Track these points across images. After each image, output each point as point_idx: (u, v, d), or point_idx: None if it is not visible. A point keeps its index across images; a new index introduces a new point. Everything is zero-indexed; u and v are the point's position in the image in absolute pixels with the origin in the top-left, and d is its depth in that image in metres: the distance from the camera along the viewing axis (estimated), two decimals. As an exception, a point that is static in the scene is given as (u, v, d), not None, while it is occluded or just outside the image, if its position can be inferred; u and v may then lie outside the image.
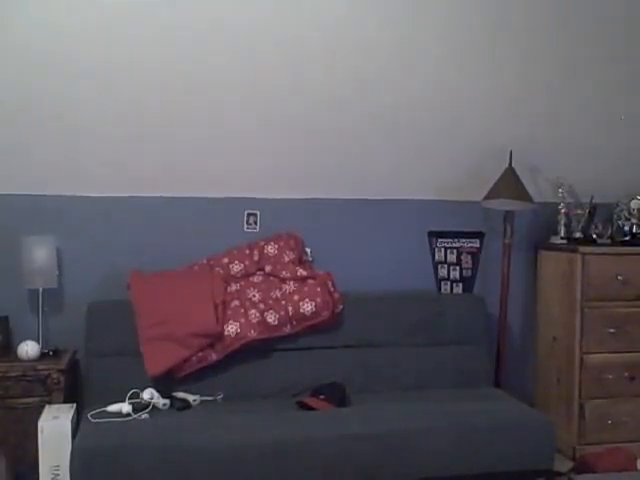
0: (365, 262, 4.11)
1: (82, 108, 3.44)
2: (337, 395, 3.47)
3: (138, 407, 3.25)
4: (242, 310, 3.65)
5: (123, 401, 3.24)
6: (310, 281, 3.81)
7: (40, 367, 3.39)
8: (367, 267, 4.10)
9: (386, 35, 3.46)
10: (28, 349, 3.47)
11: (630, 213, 4.24)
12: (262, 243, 3.94)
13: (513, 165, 3.99)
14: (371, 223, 4.15)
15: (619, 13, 3.58)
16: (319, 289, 3.77)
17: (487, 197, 4.04)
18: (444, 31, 3.51)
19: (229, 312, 3.64)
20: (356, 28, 3.39)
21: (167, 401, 3.37)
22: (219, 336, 3.56)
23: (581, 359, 3.94)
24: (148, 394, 3.31)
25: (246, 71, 3.46)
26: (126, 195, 3.85)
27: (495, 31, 3.55)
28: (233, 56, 3.38)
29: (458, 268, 4.27)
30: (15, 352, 3.49)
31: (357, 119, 3.77)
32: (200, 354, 3.53)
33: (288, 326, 3.71)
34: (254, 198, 3.98)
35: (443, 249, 4.26)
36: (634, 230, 4.21)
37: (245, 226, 4.00)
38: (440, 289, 4.25)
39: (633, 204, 4.24)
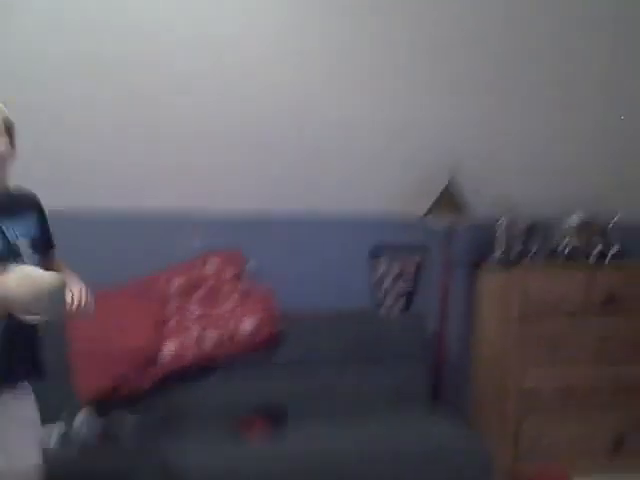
0: (306, 278, 4.06)
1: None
2: (277, 415, 3.46)
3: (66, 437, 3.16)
4: (181, 328, 3.60)
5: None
6: (251, 298, 3.78)
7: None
8: (308, 284, 4.05)
9: (328, 49, 3.46)
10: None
11: (567, 231, 4.30)
12: (203, 259, 3.89)
13: (454, 181, 4.02)
14: (312, 238, 4.12)
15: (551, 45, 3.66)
16: (260, 306, 3.74)
17: (428, 213, 4.06)
18: (386, 47, 3.53)
19: (168, 330, 3.59)
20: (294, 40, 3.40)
21: (100, 426, 3.30)
22: (157, 356, 3.50)
23: (517, 377, 4.00)
24: (79, 420, 3.24)
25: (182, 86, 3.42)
26: (62, 209, 3.75)
27: (434, 48, 3.59)
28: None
29: (399, 285, 4.27)
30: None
31: (301, 134, 3.76)
32: (136, 374, 3.47)
33: (228, 344, 3.67)
34: (195, 213, 3.91)
35: (384, 265, 4.25)
36: (571, 248, 4.27)
37: (186, 241, 3.93)
38: (381, 306, 4.25)
39: (570, 222, 4.29)
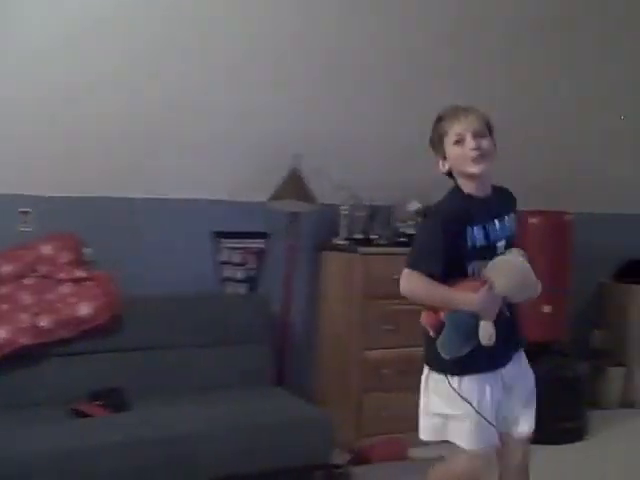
0: (149, 263, 3.96)
1: None
2: (115, 400, 3.36)
3: None
4: (12, 314, 3.41)
5: None
6: (88, 283, 3.65)
7: None
8: (151, 268, 3.95)
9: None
10: None
11: (406, 215, 4.45)
12: (36, 243, 3.71)
13: (298, 167, 4.06)
14: (155, 223, 4.04)
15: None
16: (98, 291, 3.61)
17: (272, 198, 4.08)
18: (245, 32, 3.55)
19: (-2, 316, 3.40)
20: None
21: None
22: (-19, 342, 3.32)
23: (361, 355, 4.09)
24: None
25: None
26: None
27: (277, 37, 3.63)
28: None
29: (243, 268, 4.26)
30: None
31: (141, 117, 3.69)
32: (-36, 362, 3.27)
33: (64, 330, 3.52)
34: (27, 195, 3.74)
35: (228, 250, 4.22)
36: (409, 232, 4.42)
37: (18, 225, 3.75)
38: (225, 289, 4.22)
39: (409, 207, 4.45)
